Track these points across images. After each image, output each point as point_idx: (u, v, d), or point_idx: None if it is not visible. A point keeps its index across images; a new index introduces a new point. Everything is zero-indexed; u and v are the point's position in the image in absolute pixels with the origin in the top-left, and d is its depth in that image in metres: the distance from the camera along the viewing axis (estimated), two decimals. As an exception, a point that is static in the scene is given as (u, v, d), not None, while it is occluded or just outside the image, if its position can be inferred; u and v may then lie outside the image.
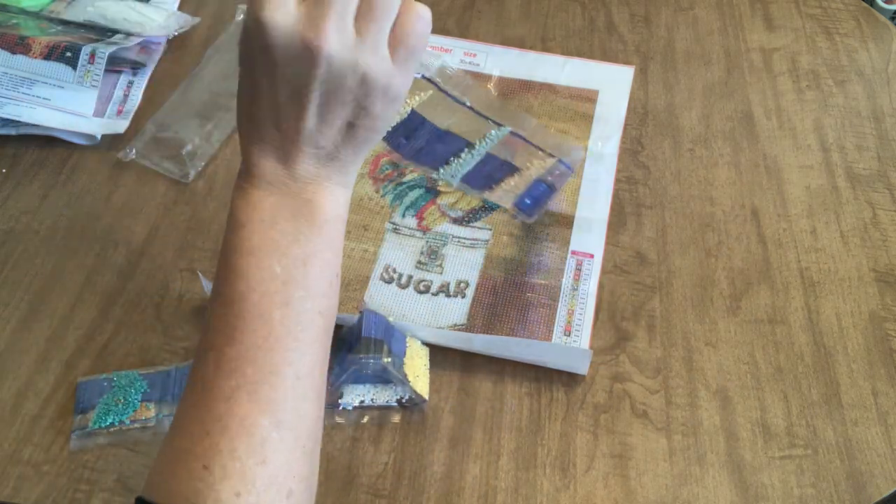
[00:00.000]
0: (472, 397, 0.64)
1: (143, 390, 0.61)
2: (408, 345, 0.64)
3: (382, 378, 0.62)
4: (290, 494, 0.38)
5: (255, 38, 0.39)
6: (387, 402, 0.62)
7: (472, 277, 0.71)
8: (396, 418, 0.62)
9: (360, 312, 0.63)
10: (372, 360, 0.60)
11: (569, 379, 0.65)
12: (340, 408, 0.62)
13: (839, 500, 0.59)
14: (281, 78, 0.40)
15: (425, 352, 0.65)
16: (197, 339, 0.66)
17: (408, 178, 0.78)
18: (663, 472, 0.60)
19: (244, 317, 0.38)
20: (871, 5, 1.14)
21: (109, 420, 0.60)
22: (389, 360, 0.60)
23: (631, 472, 0.60)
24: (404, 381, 0.61)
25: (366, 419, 0.62)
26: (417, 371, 0.63)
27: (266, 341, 0.38)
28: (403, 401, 0.62)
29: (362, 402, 0.62)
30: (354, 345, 0.61)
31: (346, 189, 0.44)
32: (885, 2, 1.37)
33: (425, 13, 0.41)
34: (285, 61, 0.39)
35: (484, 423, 0.63)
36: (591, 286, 0.70)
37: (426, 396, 0.63)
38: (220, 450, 0.36)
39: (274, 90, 0.40)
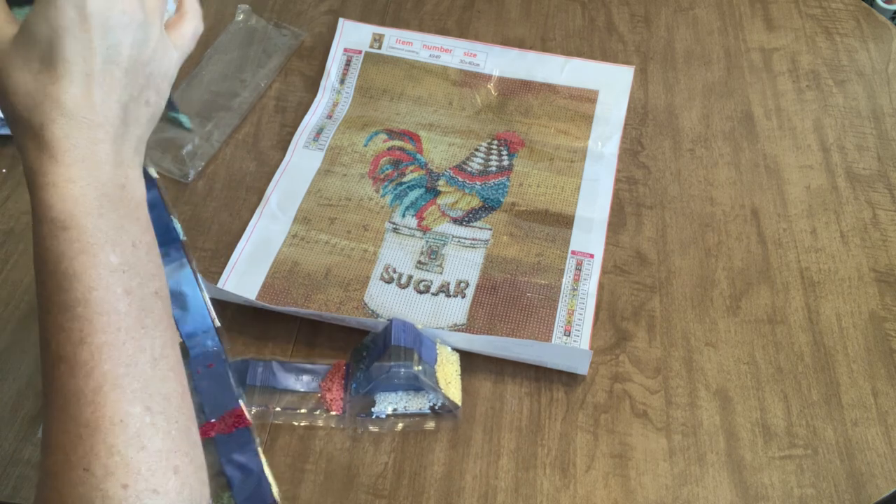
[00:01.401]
0: (472, 397, 0.64)
1: None
2: (438, 352, 0.64)
3: (414, 386, 0.62)
4: (176, 470, 0.38)
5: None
6: (420, 409, 0.62)
7: (472, 277, 0.71)
8: (431, 425, 0.62)
9: (389, 321, 0.63)
10: (403, 369, 0.60)
11: (569, 379, 0.65)
12: (374, 416, 0.62)
13: (839, 500, 0.59)
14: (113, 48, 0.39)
15: (456, 358, 0.65)
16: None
17: (408, 178, 0.78)
18: (663, 472, 0.60)
19: (90, 318, 0.37)
20: (871, 5, 1.14)
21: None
22: (420, 367, 0.60)
23: (631, 472, 0.60)
24: (436, 388, 0.61)
25: (400, 426, 0.62)
26: (449, 378, 0.63)
27: (117, 335, 0.38)
28: (436, 408, 0.62)
29: (395, 409, 0.62)
30: (382, 353, 0.61)
31: (141, 168, 0.44)
32: (885, 2, 1.37)
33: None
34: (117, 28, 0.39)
35: (484, 423, 0.63)
36: (591, 286, 0.70)
37: (459, 402, 0.63)
38: (98, 451, 0.36)
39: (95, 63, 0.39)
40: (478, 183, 0.78)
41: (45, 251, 0.38)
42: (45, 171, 0.38)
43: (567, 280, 0.71)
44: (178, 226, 0.52)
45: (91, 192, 0.38)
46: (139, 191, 0.42)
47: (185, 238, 0.53)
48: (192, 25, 0.44)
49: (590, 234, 0.74)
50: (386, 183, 0.78)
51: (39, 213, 0.38)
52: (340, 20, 0.91)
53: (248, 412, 0.54)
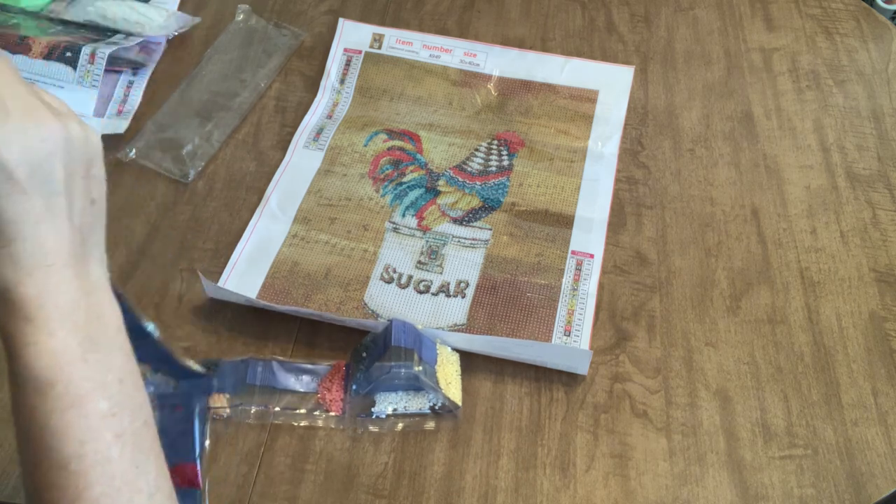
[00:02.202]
0: (472, 397, 0.64)
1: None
2: (438, 352, 0.64)
3: (414, 386, 0.62)
4: None
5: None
6: (420, 409, 0.62)
7: (472, 277, 0.71)
8: (431, 425, 0.62)
9: (389, 321, 0.63)
10: (403, 369, 0.60)
11: (569, 379, 0.65)
12: (374, 416, 0.62)
13: (839, 500, 0.59)
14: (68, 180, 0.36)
15: (456, 358, 0.65)
16: (198, 339, 0.66)
17: (408, 178, 0.78)
18: (663, 472, 0.60)
19: (84, 472, 0.35)
20: (871, 5, 1.14)
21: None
22: (421, 368, 0.60)
23: (631, 472, 0.60)
24: (436, 388, 0.61)
25: (400, 426, 0.62)
26: (449, 378, 0.63)
27: (112, 483, 0.36)
28: (437, 408, 0.62)
29: (395, 409, 0.62)
30: (382, 353, 0.61)
31: (108, 282, 0.40)
32: (885, 2, 1.37)
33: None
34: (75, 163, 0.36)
35: (484, 423, 0.63)
36: (591, 286, 0.70)
37: (459, 403, 0.62)
38: None
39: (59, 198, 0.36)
40: (478, 183, 0.78)
41: (31, 410, 0.35)
42: (22, 333, 0.35)
43: (567, 280, 0.71)
44: (150, 325, 0.50)
45: (73, 339, 0.36)
46: (115, 312, 0.39)
47: (158, 335, 0.50)
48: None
49: (590, 234, 0.74)
50: (386, 183, 0.78)
51: (21, 374, 0.35)
52: (340, 20, 0.91)
53: (204, 477, 0.50)
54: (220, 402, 0.62)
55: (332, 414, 0.62)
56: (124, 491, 0.36)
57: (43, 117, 0.35)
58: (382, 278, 0.71)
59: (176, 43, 0.90)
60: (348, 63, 0.88)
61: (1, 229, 0.35)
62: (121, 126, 0.80)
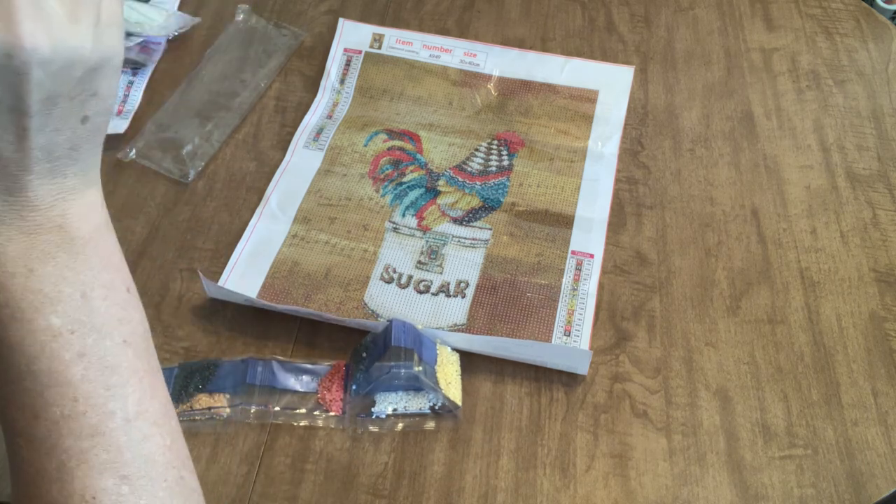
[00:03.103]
0: (472, 397, 0.64)
1: None
2: (438, 352, 0.64)
3: (414, 386, 0.62)
4: None
5: None
6: (420, 409, 0.62)
7: (472, 277, 0.71)
8: (431, 425, 0.62)
9: (389, 321, 0.63)
10: (403, 369, 0.60)
11: (569, 379, 0.65)
12: (374, 416, 0.62)
13: (839, 500, 0.59)
14: None
15: (456, 358, 0.65)
16: (198, 339, 0.66)
17: (408, 178, 0.78)
18: (663, 472, 0.60)
19: (39, 392, 0.32)
20: (871, 5, 1.14)
21: None
22: (421, 368, 0.60)
23: (631, 472, 0.60)
24: (436, 389, 0.61)
25: (400, 426, 0.62)
26: (449, 378, 0.63)
27: (75, 406, 0.33)
28: (437, 408, 0.62)
29: (395, 409, 0.62)
30: (382, 353, 0.61)
31: (96, 187, 0.36)
32: (885, 2, 1.37)
33: None
34: None
35: (484, 423, 0.63)
36: (591, 286, 0.70)
37: (459, 403, 0.63)
38: None
39: None
40: (478, 183, 0.78)
41: None
42: None
43: (567, 280, 0.71)
44: None
45: (12, 249, 0.32)
46: (87, 223, 0.34)
47: None
48: None
49: (590, 234, 0.74)
50: (386, 183, 0.78)
51: None
52: (340, 20, 0.91)
53: None
54: (220, 402, 0.62)
55: (332, 414, 0.62)
56: (91, 414, 0.33)
57: (13, 24, 0.29)
58: (382, 278, 0.71)
59: (176, 43, 0.90)
60: (348, 63, 0.88)
61: None
62: (121, 126, 0.80)
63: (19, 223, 0.32)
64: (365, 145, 0.81)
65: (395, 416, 0.62)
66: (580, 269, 0.72)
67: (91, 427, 0.33)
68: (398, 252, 0.73)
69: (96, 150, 0.35)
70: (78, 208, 0.34)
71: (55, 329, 0.33)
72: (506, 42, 0.92)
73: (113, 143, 0.78)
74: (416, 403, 0.62)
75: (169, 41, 0.89)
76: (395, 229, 0.74)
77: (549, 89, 0.87)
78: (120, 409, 0.34)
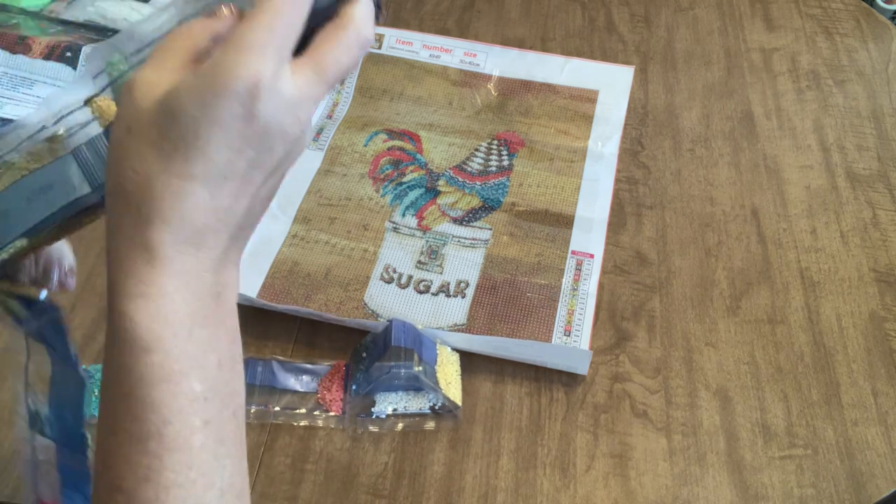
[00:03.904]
0: (472, 397, 0.64)
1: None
2: (438, 352, 0.64)
3: (414, 386, 0.62)
4: None
5: (180, 107, 0.30)
6: (420, 409, 0.62)
7: (472, 277, 0.71)
8: (431, 425, 0.62)
9: (389, 321, 0.63)
10: (403, 369, 0.60)
11: (569, 379, 0.65)
12: (374, 416, 0.62)
13: (839, 500, 0.59)
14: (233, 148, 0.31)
15: (456, 358, 0.65)
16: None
17: (408, 178, 0.78)
18: (663, 472, 0.60)
19: (160, 455, 0.32)
20: (871, 5, 1.14)
21: (89, 413, 0.55)
22: (421, 368, 0.60)
23: (631, 472, 0.60)
24: (436, 389, 0.61)
25: (400, 426, 0.62)
26: (449, 378, 0.63)
27: (188, 474, 0.33)
28: (437, 408, 0.62)
29: (395, 409, 0.62)
30: (382, 353, 0.61)
31: (239, 265, 0.35)
32: (885, 2, 1.37)
33: (360, 35, 0.32)
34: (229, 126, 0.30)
35: (484, 423, 0.63)
36: (591, 286, 0.70)
37: (459, 403, 0.63)
38: None
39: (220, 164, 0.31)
40: (478, 183, 0.78)
41: (121, 370, 0.32)
42: (138, 278, 0.31)
43: (567, 280, 0.71)
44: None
45: (184, 310, 0.32)
46: (234, 295, 0.34)
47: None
48: (344, 54, 0.32)
49: (590, 234, 0.74)
50: (386, 183, 0.78)
51: (120, 326, 0.31)
52: (340, 20, 0.91)
53: None
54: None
55: (332, 414, 0.62)
56: (199, 483, 0.33)
57: (305, 116, 0.31)
58: (382, 278, 0.71)
59: (176, 43, 0.90)
60: (348, 63, 0.88)
61: (192, 153, 0.30)
62: (121, 126, 0.80)
63: (196, 284, 0.32)
64: (365, 145, 0.81)
65: (395, 416, 0.62)
66: (580, 269, 0.72)
67: (195, 497, 0.33)
68: (398, 252, 0.73)
69: (254, 229, 0.35)
70: (233, 280, 0.34)
71: (195, 394, 0.32)
72: (506, 42, 0.92)
73: (113, 143, 0.78)
74: (416, 403, 0.62)
75: (169, 41, 0.89)
76: (395, 229, 0.74)
77: (549, 89, 0.87)
78: (219, 480, 0.34)
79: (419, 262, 0.72)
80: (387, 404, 0.62)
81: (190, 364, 0.32)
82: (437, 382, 0.61)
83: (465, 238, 0.74)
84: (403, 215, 0.75)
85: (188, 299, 0.32)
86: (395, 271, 0.71)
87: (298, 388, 0.63)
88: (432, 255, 0.72)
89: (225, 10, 0.32)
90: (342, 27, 0.32)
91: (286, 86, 0.30)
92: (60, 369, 0.38)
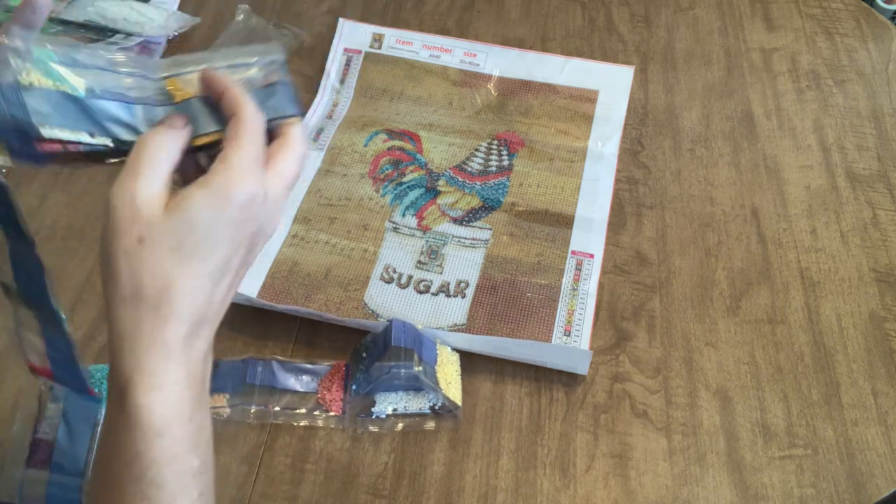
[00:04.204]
0: (472, 397, 0.64)
1: None
2: (438, 352, 0.64)
3: (414, 386, 0.62)
4: None
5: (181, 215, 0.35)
6: (420, 409, 0.62)
7: (472, 277, 0.71)
8: (431, 425, 0.62)
9: (389, 321, 0.63)
10: (403, 369, 0.60)
11: (569, 379, 0.65)
12: (374, 416, 0.62)
13: (839, 500, 0.59)
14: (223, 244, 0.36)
15: (456, 358, 0.65)
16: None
17: (408, 178, 0.78)
18: (663, 472, 0.60)
19: None
20: (871, 5, 1.14)
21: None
22: (421, 368, 0.60)
23: (631, 472, 0.60)
24: (436, 389, 0.61)
25: (400, 426, 0.62)
26: (449, 378, 0.63)
27: None
28: (437, 408, 0.62)
29: (395, 409, 0.62)
30: (382, 353, 0.61)
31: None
32: (885, 2, 1.37)
33: (303, 150, 0.40)
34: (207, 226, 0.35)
35: (484, 423, 0.63)
36: (591, 286, 0.70)
37: (459, 403, 0.63)
38: None
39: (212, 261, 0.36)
40: (478, 183, 0.78)
41: (134, 456, 0.35)
42: (153, 371, 0.34)
43: (567, 280, 0.71)
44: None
45: (188, 395, 0.36)
46: (209, 373, 0.39)
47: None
48: (296, 167, 0.39)
49: (590, 234, 0.74)
50: (386, 183, 0.78)
51: (136, 415, 0.34)
52: (340, 20, 0.91)
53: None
54: (220, 402, 0.62)
55: (332, 414, 0.62)
56: None
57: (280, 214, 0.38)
58: (382, 278, 0.71)
59: (176, 43, 0.90)
60: (348, 63, 0.88)
61: (209, 257, 0.36)
62: (121, 126, 0.80)
63: (194, 371, 0.36)
64: (365, 145, 0.81)
65: (395, 416, 0.62)
66: (580, 269, 0.72)
67: None
68: (398, 252, 0.73)
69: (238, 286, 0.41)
70: (209, 356, 0.38)
71: (195, 469, 0.37)
72: (506, 42, 0.92)
73: (113, 143, 0.78)
74: (416, 403, 0.62)
75: (169, 41, 0.89)
76: (395, 229, 0.74)
77: (549, 89, 0.87)
78: None
79: (419, 262, 0.72)
80: (387, 404, 0.62)
81: (191, 443, 0.36)
82: (437, 382, 0.61)
83: (465, 238, 0.74)
84: (403, 215, 0.75)
85: (191, 385, 0.36)
86: (395, 271, 0.71)
87: (298, 388, 0.63)
88: (432, 255, 0.72)
89: (178, 123, 0.38)
90: (292, 148, 0.40)
91: (270, 192, 0.37)
92: (17, 246, 0.40)
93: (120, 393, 0.35)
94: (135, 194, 0.35)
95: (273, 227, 0.39)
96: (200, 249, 0.35)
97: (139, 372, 0.34)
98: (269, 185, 0.37)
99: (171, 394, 0.35)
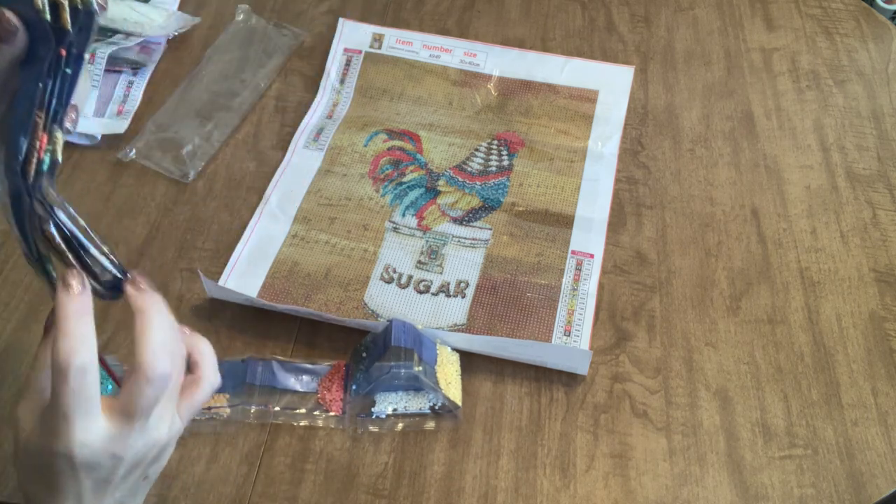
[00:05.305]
0: (472, 397, 0.64)
1: (109, 388, 0.60)
2: (438, 352, 0.64)
3: (414, 386, 0.62)
4: None
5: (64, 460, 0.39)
6: (420, 409, 0.62)
7: (472, 277, 0.71)
8: (431, 425, 0.62)
9: (389, 321, 0.63)
10: (403, 369, 0.60)
11: (569, 379, 0.65)
12: (374, 416, 0.62)
13: (839, 500, 0.59)
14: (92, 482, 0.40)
15: (456, 358, 0.65)
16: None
17: (408, 178, 0.78)
18: (663, 472, 0.60)
19: None
20: (871, 5, 1.14)
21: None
22: (421, 368, 0.60)
23: (631, 472, 0.60)
24: (436, 389, 0.61)
25: (400, 426, 0.62)
26: (449, 378, 0.63)
27: None
28: (437, 408, 0.62)
29: (395, 409, 0.62)
30: (382, 353, 0.61)
31: None
32: (885, 2, 1.37)
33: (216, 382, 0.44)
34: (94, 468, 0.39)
35: (484, 423, 0.63)
36: (591, 286, 0.70)
37: (459, 403, 0.62)
38: None
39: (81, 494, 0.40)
40: (478, 183, 0.78)
41: None
42: None
43: (567, 280, 0.71)
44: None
45: None
46: None
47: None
48: (205, 395, 0.44)
49: (590, 234, 0.74)
50: (386, 183, 0.78)
51: None
52: (340, 20, 0.91)
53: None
54: (220, 401, 0.62)
55: (332, 414, 0.62)
56: None
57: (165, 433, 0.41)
58: (382, 278, 0.71)
59: (176, 43, 0.90)
60: (348, 63, 0.88)
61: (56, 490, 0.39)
62: (121, 126, 0.80)
63: None
64: (365, 145, 0.81)
65: (395, 416, 0.62)
66: (580, 269, 0.72)
67: None
68: (398, 252, 0.73)
69: (145, 490, 0.44)
70: None
71: None
72: (506, 42, 0.92)
73: (113, 142, 0.78)
74: (416, 403, 0.62)
75: (169, 41, 0.89)
76: (395, 229, 0.74)
77: (549, 89, 0.87)
78: None
79: (419, 262, 0.72)
80: (387, 404, 0.62)
81: None
82: (437, 382, 0.61)
83: (465, 238, 0.74)
84: (403, 215, 0.75)
85: None
86: (395, 271, 0.71)
87: (298, 388, 0.63)
88: (432, 255, 0.72)
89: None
90: (201, 388, 0.43)
91: (94, 437, 0.38)
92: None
93: None
94: (17, 416, 0.42)
95: (114, 463, 0.40)
96: (50, 486, 0.39)
97: None
98: (116, 422, 0.39)
99: None
